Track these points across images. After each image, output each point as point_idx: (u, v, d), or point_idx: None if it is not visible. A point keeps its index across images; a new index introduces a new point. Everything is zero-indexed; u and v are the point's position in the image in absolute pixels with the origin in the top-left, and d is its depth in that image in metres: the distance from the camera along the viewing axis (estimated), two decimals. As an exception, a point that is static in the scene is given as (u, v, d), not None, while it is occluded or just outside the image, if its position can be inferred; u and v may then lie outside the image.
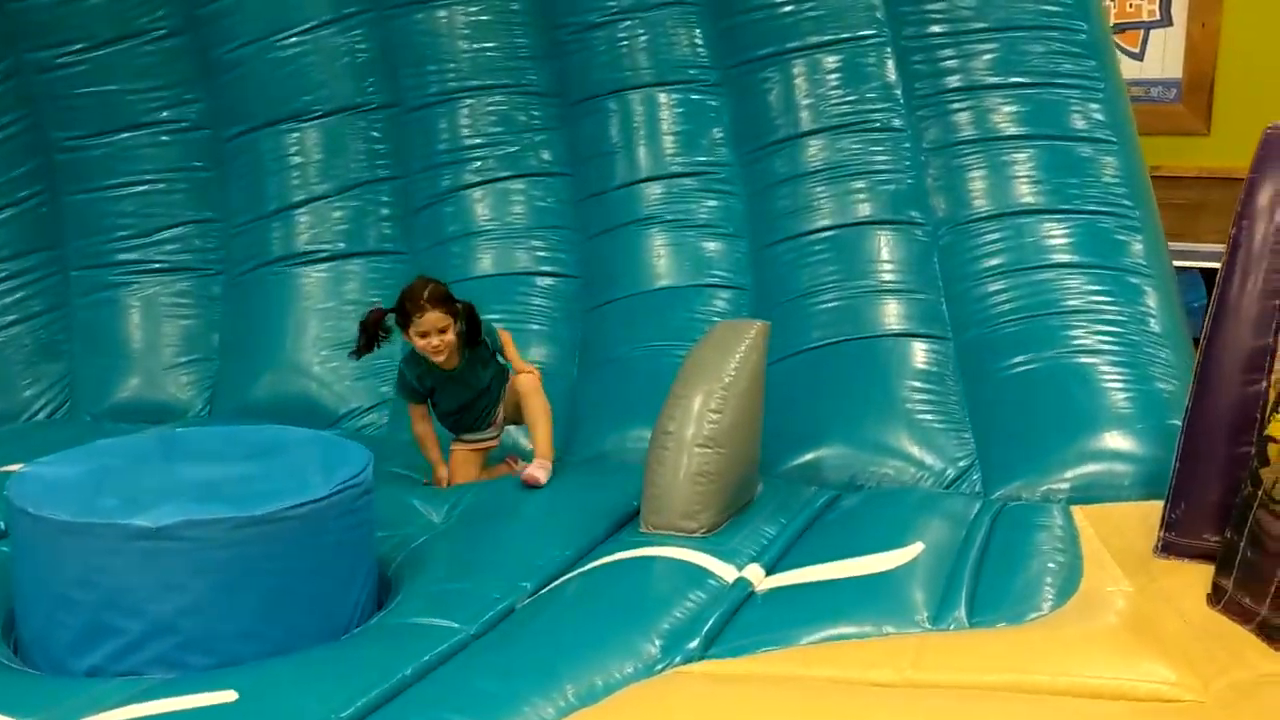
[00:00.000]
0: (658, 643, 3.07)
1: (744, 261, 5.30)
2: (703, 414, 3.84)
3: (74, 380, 5.33)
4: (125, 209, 5.43)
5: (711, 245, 5.33)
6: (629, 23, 5.39)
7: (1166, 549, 3.51)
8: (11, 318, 5.20)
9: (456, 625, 3.15)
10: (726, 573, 3.50)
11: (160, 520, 2.97)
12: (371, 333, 4.17)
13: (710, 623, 3.16)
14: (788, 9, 5.31)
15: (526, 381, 4.25)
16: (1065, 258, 5.06)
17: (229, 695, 2.72)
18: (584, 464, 4.52)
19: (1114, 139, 5.11)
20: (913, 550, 3.62)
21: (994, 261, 5.06)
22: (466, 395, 4.26)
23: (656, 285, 5.27)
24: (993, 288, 5.00)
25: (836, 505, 4.19)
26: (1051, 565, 3.67)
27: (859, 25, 5.28)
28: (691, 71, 5.40)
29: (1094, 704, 2.81)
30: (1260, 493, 2.97)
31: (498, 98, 5.50)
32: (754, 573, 3.52)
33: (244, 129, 5.44)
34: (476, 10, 5.44)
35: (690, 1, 5.36)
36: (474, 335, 4.18)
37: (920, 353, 4.92)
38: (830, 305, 5.07)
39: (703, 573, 3.48)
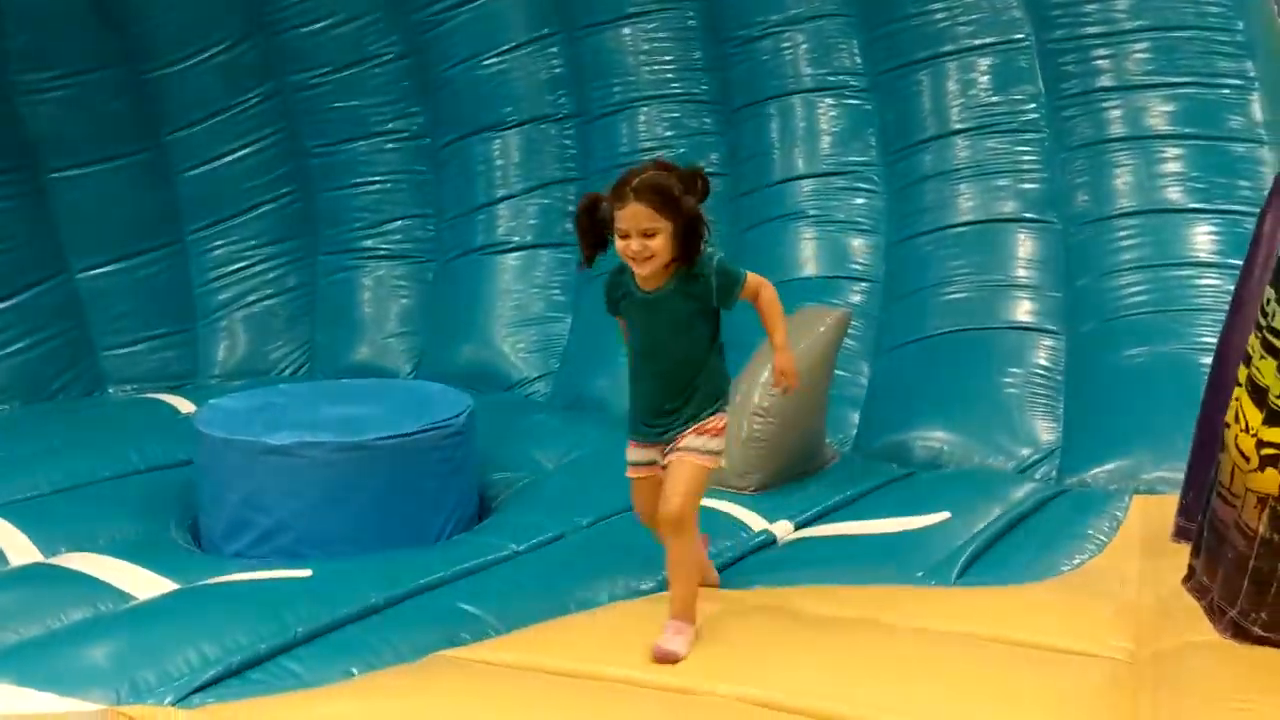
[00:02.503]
0: (664, 573, 3.56)
1: (883, 255, 5.62)
2: (764, 387, 4.27)
3: (313, 346, 6.44)
4: (361, 204, 6.48)
5: (854, 239, 5.69)
6: (789, 33, 5.85)
7: (1179, 534, 3.60)
8: (269, 291, 6.37)
9: (511, 544, 3.81)
10: (757, 524, 3.94)
11: (283, 440, 3.82)
12: (583, 225, 3.10)
13: (714, 562, 3.62)
14: (941, 14, 5.58)
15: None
16: (1205, 256, 5.05)
17: (305, 572, 3.51)
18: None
19: (1270, 139, 5.04)
20: (937, 518, 3.91)
21: (1128, 256, 5.13)
22: (663, 344, 3.09)
23: (797, 276, 5.68)
24: (1122, 281, 5.08)
25: (904, 481, 4.49)
26: (1088, 545, 3.85)
27: (1011, 29, 5.48)
28: (846, 77, 5.77)
29: (1027, 651, 3.02)
30: (1215, 478, 3.08)
31: (671, 106, 6.10)
32: (782, 527, 3.94)
33: (456, 136, 6.35)
34: (654, 28, 6.08)
35: (847, 13, 5.75)
36: (689, 250, 3.02)
37: (1034, 345, 5.07)
38: (955, 297, 5.30)
39: (736, 523, 3.94)
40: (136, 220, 6.07)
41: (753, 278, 3.13)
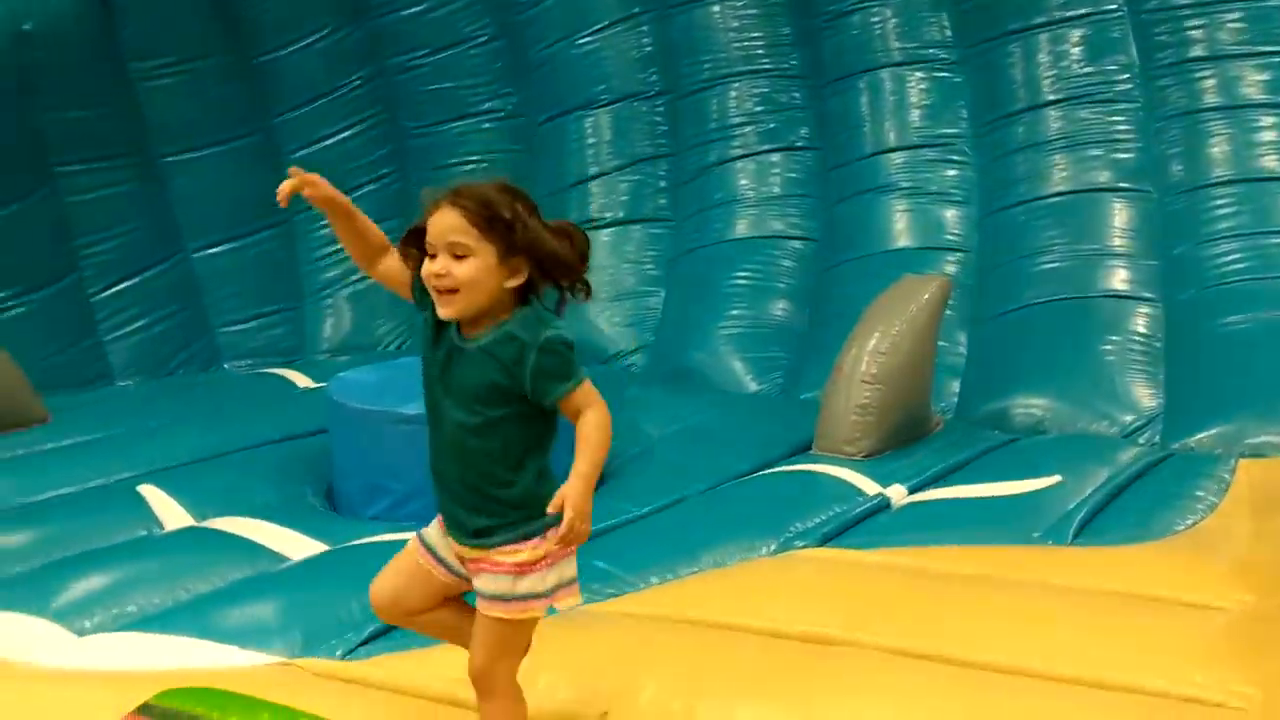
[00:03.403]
0: (785, 535, 3.71)
1: (975, 226, 5.70)
2: (872, 354, 4.40)
3: (416, 321, 6.63)
4: (458, 184, 6.65)
5: (946, 211, 5.78)
6: (879, 7, 5.93)
7: (1291, 493, 3.69)
8: (372, 270, 6.57)
9: (631, 508, 3.98)
10: (870, 488, 4.07)
11: (415, 410, 4.00)
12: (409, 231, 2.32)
13: (832, 524, 3.77)
14: (1033, -15, 5.64)
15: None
16: (1305, 223, 5.09)
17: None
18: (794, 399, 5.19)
19: (1368, 105, 5.07)
20: (1049, 480, 4.02)
21: (1226, 224, 5.19)
22: (442, 411, 2.42)
23: (890, 247, 5.79)
24: (1221, 249, 5.15)
25: (1010, 446, 4.59)
26: (1199, 506, 3.94)
27: (1103, -1, 5.53)
28: (936, 50, 5.85)
29: (1152, 604, 3.13)
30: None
31: (761, 81, 6.21)
32: (896, 491, 4.07)
33: (550, 115, 6.50)
34: (743, 4, 6.19)
35: (936, -16, 5.82)
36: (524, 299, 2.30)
37: (1131, 313, 5.15)
38: (1051, 267, 5.38)
39: (850, 488, 4.08)
40: (247, 201, 6.27)
41: (589, 389, 2.29)
